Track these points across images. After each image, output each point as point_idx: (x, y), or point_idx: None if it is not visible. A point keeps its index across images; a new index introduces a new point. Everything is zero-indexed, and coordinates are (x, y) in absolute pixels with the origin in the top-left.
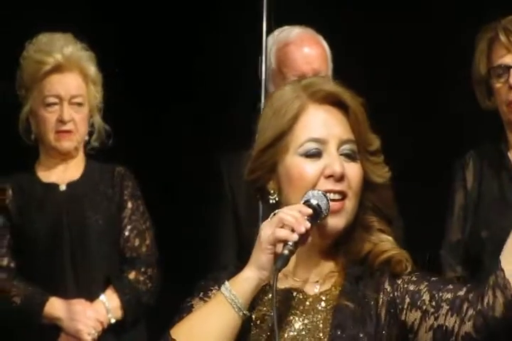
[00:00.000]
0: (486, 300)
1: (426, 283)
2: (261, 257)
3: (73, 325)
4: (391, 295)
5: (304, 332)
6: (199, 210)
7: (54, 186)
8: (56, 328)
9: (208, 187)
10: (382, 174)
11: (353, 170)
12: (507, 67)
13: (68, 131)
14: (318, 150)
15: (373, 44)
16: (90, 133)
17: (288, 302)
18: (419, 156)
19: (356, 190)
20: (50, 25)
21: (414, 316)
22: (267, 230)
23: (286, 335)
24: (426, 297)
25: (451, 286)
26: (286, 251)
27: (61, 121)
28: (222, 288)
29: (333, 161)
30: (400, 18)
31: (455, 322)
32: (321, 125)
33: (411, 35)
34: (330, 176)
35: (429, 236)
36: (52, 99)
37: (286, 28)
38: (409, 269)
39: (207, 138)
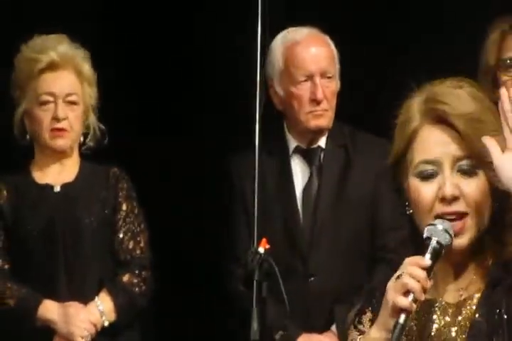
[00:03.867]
0: None
1: None
2: (387, 320)
3: (67, 327)
4: None
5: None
6: (197, 212)
7: (48, 187)
8: (50, 331)
9: (206, 188)
10: None
11: (471, 187)
12: None
13: (63, 129)
14: (433, 171)
15: (372, 44)
16: (85, 135)
17: (430, 313)
18: None
19: (478, 206)
20: (43, 26)
21: None
22: (392, 295)
23: None
24: None
25: None
26: (401, 321)
27: (55, 119)
28: None
29: (443, 183)
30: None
31: None
32: (435, 145)
33: None
34: (443, 199)
35: None
36: (46, 97)
37: (293, 28)
38: None
39: (205, 138)
